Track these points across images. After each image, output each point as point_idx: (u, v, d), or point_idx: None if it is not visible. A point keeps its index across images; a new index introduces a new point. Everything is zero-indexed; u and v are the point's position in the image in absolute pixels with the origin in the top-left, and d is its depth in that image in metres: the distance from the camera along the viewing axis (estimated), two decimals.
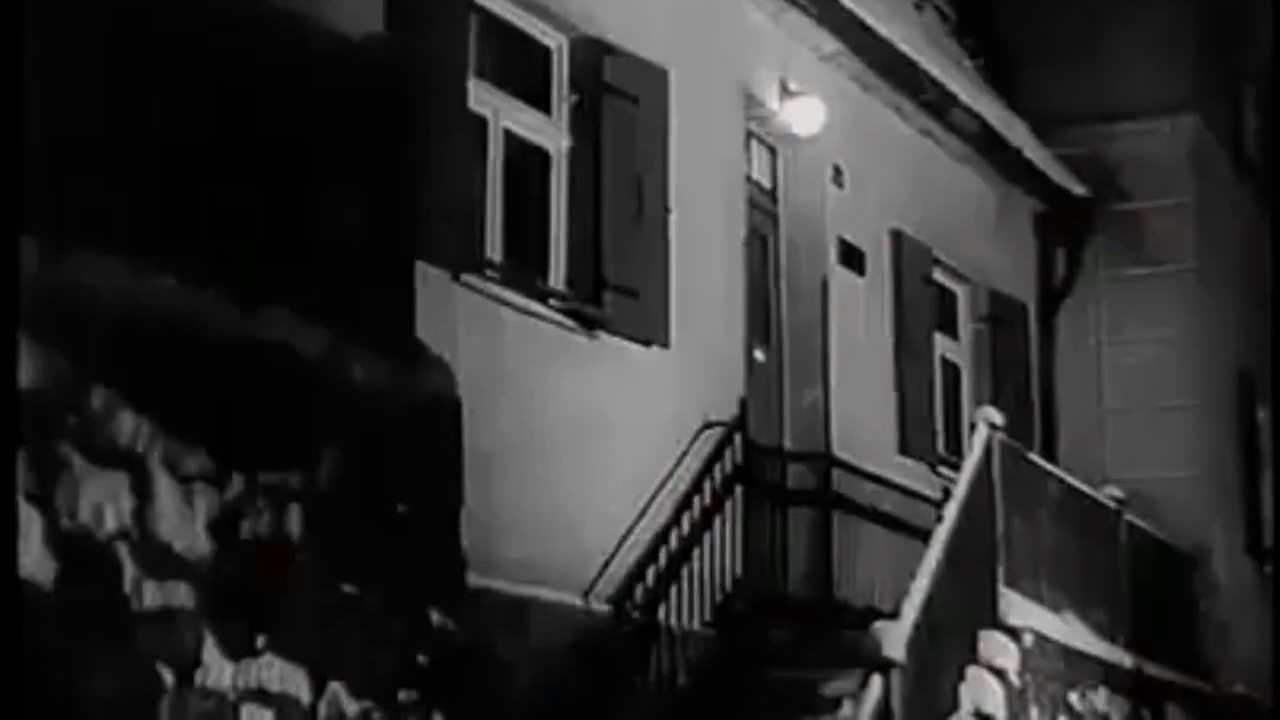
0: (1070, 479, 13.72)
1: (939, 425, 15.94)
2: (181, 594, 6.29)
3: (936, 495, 14.43)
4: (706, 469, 11.95)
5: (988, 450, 11.90)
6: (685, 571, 11.47)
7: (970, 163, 16.94)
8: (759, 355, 13.57)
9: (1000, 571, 11.82)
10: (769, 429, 13.51)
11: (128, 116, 6.57)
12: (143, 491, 6.23)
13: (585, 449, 10.96)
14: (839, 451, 13.90)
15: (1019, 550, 12.18)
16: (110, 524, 6.12)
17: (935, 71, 15.36)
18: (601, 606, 10.79)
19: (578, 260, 11.36)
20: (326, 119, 7.57)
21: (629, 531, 11.22)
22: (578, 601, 10.63)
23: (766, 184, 14.10)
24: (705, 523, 11.80)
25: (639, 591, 11.05)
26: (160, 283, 6.44)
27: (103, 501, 6.09)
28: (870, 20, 14.10)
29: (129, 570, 6.14)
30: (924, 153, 16.14)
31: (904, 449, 15.04)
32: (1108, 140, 17.97)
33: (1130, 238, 18.02)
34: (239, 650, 6.49)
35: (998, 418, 12.11)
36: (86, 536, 6.02)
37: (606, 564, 10.96)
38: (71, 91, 6.30)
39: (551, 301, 11.09)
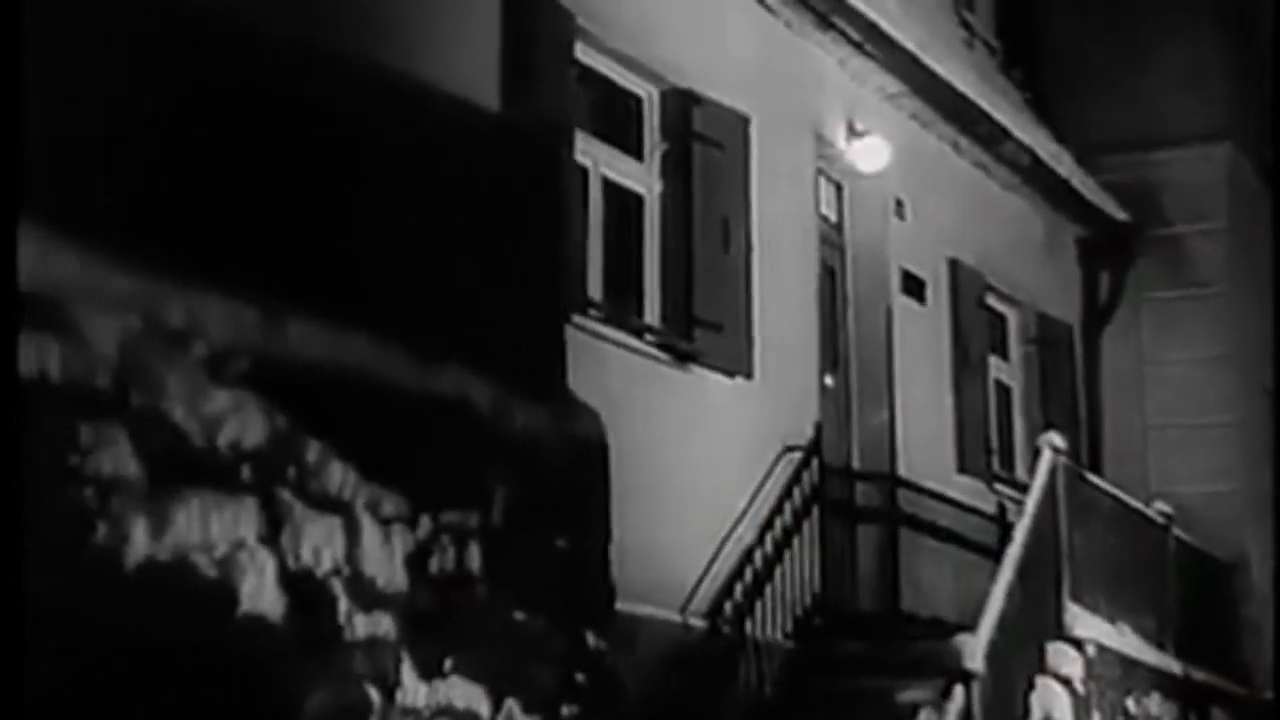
0: (1123, 496, 14.45)
1: (994, 444, 16.56)
2: (385, 624, 7.07)
3: (993, 511, 15.24)
4: (787, 491, 12.63)
5: (1052, 472, 12.62)
6: (769, 588, 12.17)
7: (1018, 191, 17.55)
8: (829, 381, 14.22)
9: (1065, 586, 12.56)
10: (839, 451, 14.12)
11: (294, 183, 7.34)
12: (352, 533, 7.01)
13: (680, 475, 11.62)
14: (903, 471, 14.60)
15: (1080, 565, 12.84)
16: (326, 563, 6.89)
17: (988, 107, 16.04)
18: (698, 622, 11.54)
19: (670, 297, 12.07)
20: (483, 187, 8.33)
21: (718, 551, 11.96)
22: (678, 618, 11.38)
23: (833, 218, 14.76)
24: (786, 542, 12.48)
25: (728, 608, 11.77)
26: (356, 344, 7.22)
27: (320, 544, 6.86)
28: (929, 61, 14.79)
29: (342, 604, 6.92)
30: (976, 183, 16.75)
31: (962, 467, 15.67)
32: (1147, 167, 18.56)
33: (1170, 261, 18.66)
34: (430, 672, 7.25)
35: (1061, 442, 12.81)
36: (308, 575, 6.80)
37: (699, 582, 11.71)
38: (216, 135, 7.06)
39: (647, 337, 11.78)
